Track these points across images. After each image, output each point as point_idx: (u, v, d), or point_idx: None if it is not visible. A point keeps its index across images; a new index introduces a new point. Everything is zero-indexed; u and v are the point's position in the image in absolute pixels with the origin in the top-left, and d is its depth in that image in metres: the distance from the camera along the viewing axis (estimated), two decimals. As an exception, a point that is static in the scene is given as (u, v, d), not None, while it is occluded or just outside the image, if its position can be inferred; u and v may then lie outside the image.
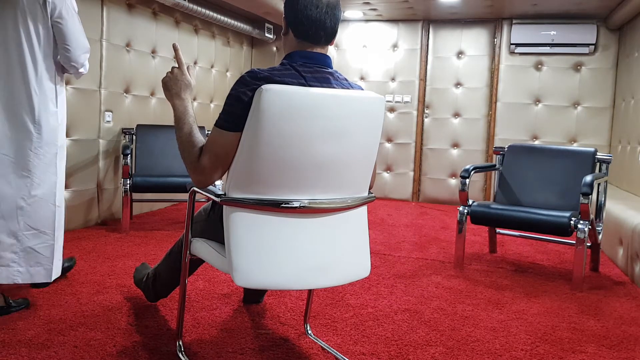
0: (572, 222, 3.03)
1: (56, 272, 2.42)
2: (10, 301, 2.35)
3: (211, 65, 5.82)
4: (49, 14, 2.23)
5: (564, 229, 3.04)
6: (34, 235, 2.32)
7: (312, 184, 1.68)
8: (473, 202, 3.41)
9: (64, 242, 2.50)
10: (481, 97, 6.03)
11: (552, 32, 5.66)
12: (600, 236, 3.42)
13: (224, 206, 1.66)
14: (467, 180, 3.42)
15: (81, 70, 2.40)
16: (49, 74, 2.31)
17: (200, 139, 1.74)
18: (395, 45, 6.23)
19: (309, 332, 2.26)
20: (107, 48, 4.21)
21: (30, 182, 2.28)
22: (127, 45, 4.48)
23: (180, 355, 1.99)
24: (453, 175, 6.16)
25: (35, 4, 2.22)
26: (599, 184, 3.41)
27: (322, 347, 2.14)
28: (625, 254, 3.42)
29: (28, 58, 2.24)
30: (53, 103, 2.32)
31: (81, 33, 2.35)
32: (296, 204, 1.65)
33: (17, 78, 2.24)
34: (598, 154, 3.48)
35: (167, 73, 1.86)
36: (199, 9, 5.01)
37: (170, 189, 4.10)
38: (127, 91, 4.55)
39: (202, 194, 1.79)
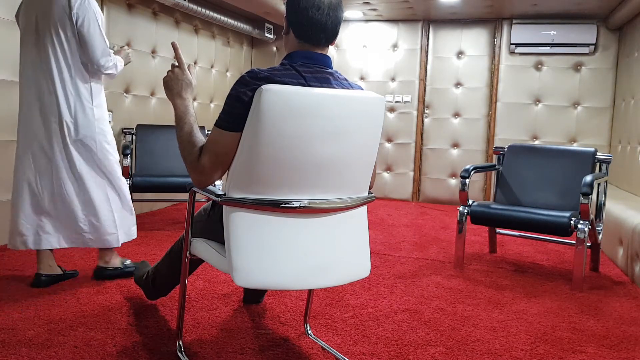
0: (572, 222, 3.03)
1: (121, 239, 2.80)
2: (65, 270, 2.81)
3: (211, 65, 5.82)
4: (75, 22, 2.55)
5: (564, 229, 3.04)
6: (90, 212, 2.71)
7: (312, 184, 1.68)
8: (473, 202, 3.41)
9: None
10: (481, 97, 6.03)
11: (552, 32, 5.66)
12: (600, 236, 3.42)
13: (224, 206, 1.66)
14: (467, 180, 3.42)
15: (108, 71, 2.69)
16: (83, 76, 2.65)
17: (200, 138, 1.74)
18: (395, 45, 6.23)
19: (309, 332, 2.26)
20: (107, 48, 4.22)
21: (73, 168, 2.66)
22: (127, 45, 4.48)
23: (180, 355, 1.99)
24: (453, 175, 6.16)
25: (64, 15, 2.54)
26: (599, 184, 3.41)
27: (322, 347, 2.14)
28: (625, 254, 3.42)
29: (62, 62, 2.59)
30: (88, 101, 2.66)
31: (100, 37, 2.62)
32: (296, 204, 1.65)
33: (54, 81, 2.60)
34: (598, 154, 3.48)
35: (168, 72, 1.86)
36: (199, 9, 5.01)
37: (170, 189, 4.10)
38: (127, 91, 4.55)
39: (202, 194, 1.79)
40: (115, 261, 2.87)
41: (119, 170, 2.82)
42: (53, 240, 2.68)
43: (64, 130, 2.63)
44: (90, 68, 2.65)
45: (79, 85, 2.63)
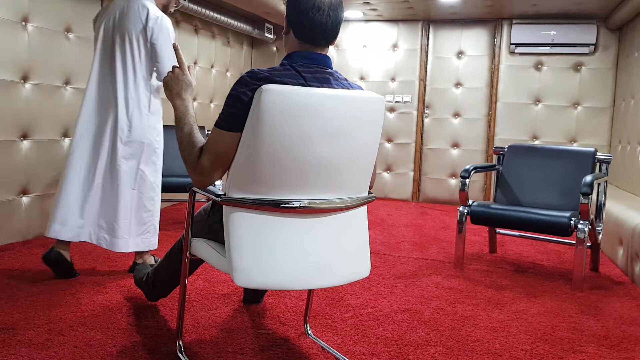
0: (572, 222, 3.03)
1: (131, 247, 2.84)
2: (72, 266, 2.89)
3: (211, 65, 5.82)
4: (148, 37, 2.74)
5: (564, 229, 3.04)
6: (112, 211, 2.81)
7: (312, 184, 1.68)
8: (473, 202, 3.41)
9: None
10: (481, 97, 6.03)
11: (552, 32, 5.66)
12: (600, 236, 3.42)
13: (224, 206, 1.66)
14: (467, 180, 3.42)
15: None
16: (145, 84, 2.81)
17: (200, 139, 1.74)
18: (395, 45, 6.23)
19: (309, 332, 2.26)
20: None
21: (113, 166, 2.79)
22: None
23: (180, 355, 1.99)
24: (453, 175, 6.16)
25: (140, 26, 2.74)
26: (599, 184, 3.41)
27: (322, 347, 2.14)
28: (625, 254, 3.42)
29: (129, 68, 2.77)
30: (146, 107, 2.83)
31: (170, 53, 2.77)
32: (296, 204, 1.65)
33: (118, 83, 2.77)
34: (598, 154, 3.48)
35: (168, 72, 1.86)
36: (199, 9, 5.01)
37: (170, 189, 4.09)
38: (127, 91, 4.55)
39: (202, 194, 1.79)
40: (150, 260, 2.97)
41: (155, 181, 2.91)
42: (84, 233, 2.80)
43: (117, 130, 2.77)
44: (156, 79, 2.85)
45: (140, 92, 2.80)
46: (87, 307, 2.43)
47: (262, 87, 1.55)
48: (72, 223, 2.77)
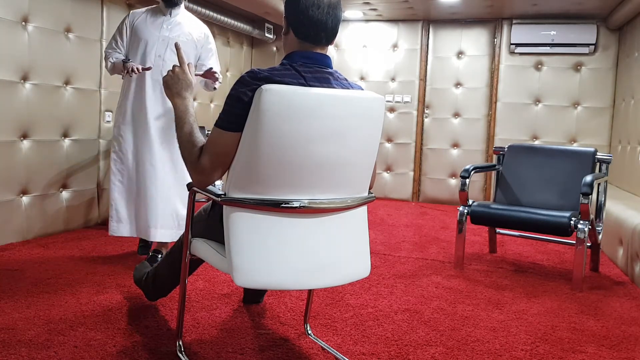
0: (572, 222, 3.03)
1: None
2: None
3: (211, 65, 5.82)
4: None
5: (564, 229, 3.04)
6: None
7: (312, 184, 1.68)
8: (473, 202, 3.41)
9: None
10: (481, 97, 6.03)
11: (552, 32, 5.66)
12: (600, 236, 3.42)
13: (224, 206, 1.66)
14: (467, 180, 3.42)
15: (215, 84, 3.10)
16: None
17: (200, 138, 1.74)
18: (395, 45, 6.23)
19: (309, 332, 2.26)
20: (107, 48, 4.22)
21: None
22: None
23: (180, 355, 1.99)
24: (453, 175, 6.16)
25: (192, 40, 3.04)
26: (599, 184, 3.41)
27: (322, 347, 2.14)
28: (625, 254, 3.42)
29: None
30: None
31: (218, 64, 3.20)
32: (296, 204, 1.65)
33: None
34: (598, 154, 3.48)
35: (168, 72, 1.86)
36: (199, 9, 5.01)
37: (170, 189, 4.08)
38: (127, 91, 4.54)
39: (202, 194, 1.79)
40: None
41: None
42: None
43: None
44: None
45: None
46: (87, 307, 2.43)
47: (262, 87, 1.55)
48: None
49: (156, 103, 3.02)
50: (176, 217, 3.08)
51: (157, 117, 3.02)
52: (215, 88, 3.09)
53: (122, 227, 3.10)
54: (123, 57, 3.05)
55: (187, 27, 3.06)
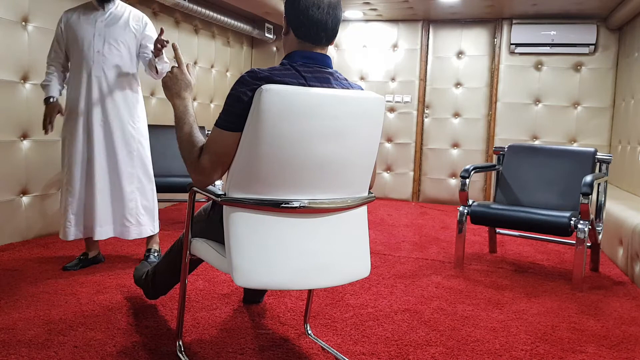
0: (572, 222, 3.03)
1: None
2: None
3: (211, 65, 5.82)
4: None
5: (564, 229, 3.04)
6: None
7: (312, 184, 1.68)
8: (473, 202, 3.40)
9: None
10: (481, 97, 6.03)
11: (552, 32, 5.66)
12: (600, 236, 3.42)
13: (224, 206, 1.66)
14: (467, 180, 3.42)
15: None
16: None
17: (200, 138, 1.74)
18: (395, 45, 6.23)
19: (309, 332, 2.26)
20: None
21: None
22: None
23: (180, 355, 1.99)
24: (453, 175, 6.16)
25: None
26: (599, 184, 3.41)
27: (322, 347, 2.14)
28: (625, 254, 3.42)
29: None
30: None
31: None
32: (296, 204, 1.65)
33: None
34: (598, 154, 3.48)
35: (167, 73, 1.86)
36: (199, 9, 5.01)
37: (170, 189, 4.09)
38: (127, 91, 4.54)
39: (202, 193, 1.79)
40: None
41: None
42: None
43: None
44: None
45: None
46: (87, 307, 2.43)
47: (262, 87, 1.54)
48: None
49: (99, 100, 2.91)
50: (134, 214, 3.01)
51: (100, 114, 2.92)
52: (159, 71, 2.95)
53: (74, 230, 2.98)
54: (50, 92, 2.94)
55: (124, 18, 2.96)
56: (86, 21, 2.91)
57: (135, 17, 3.01)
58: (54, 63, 2.98)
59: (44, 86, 2.96)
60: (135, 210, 3.01)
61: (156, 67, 2.95)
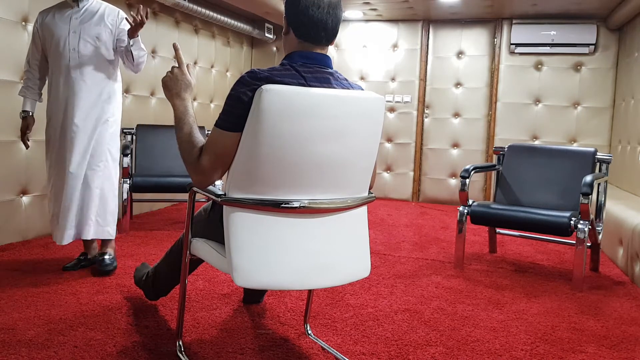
0: (572, 222, 3.03)
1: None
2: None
3: (211, 65, 5.82)
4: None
5: (564, 229, 3.04)
6: None
7: (312, 184, 1.68)
8: (473, 202, 3.41)
9: None
10: (481, 97, 6.03)
11: (552, 32, 5.66)
12: (600, 236, 3.42)
13: (224, 206, 1.66)
14: (467, 180, 3.42)
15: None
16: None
17: (200, 139, 1.74)
18: (395, 45, 6.23)
19: (309, 332, 2.26)
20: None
21: None
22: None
23: (180, 355, 1.99)
24: (453, 175, 6.16)
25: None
26: (599, 184, 3.41)
27: (322, 347, 2.14)
28: (625, 254, 3.42)
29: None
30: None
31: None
32: (296, 204, 1.65)
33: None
34: (598, 154, 3.48)
35: (167, 72, 1.86)
36: (199, 9, 5.01)
37: (170, 189, 4.10)
38: (127, 91, 4.55)
39: (202, 194, 1.79)
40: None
41: None
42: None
43: None
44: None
45: None
46: (87, 307, 2.43)
47: (262, 87, 1.54)
48: None
49: (74, 98, 2.86)
50: (98, 214, 2.95)
51: (78, 114, 2.86)
52: (134, 58, 2.90)
53: (66, 234, 2.94)
54: (25, 106, 2.94)
55: (99, 14, 2.91)
56: (61, 19, 2.87)
57: (111, 12, 2.95)
58: (32, 68, 2.95)
59: (22, 96, 2.95)
60: (98, 212, 2.94)
61: (132, 53, 2.87)
